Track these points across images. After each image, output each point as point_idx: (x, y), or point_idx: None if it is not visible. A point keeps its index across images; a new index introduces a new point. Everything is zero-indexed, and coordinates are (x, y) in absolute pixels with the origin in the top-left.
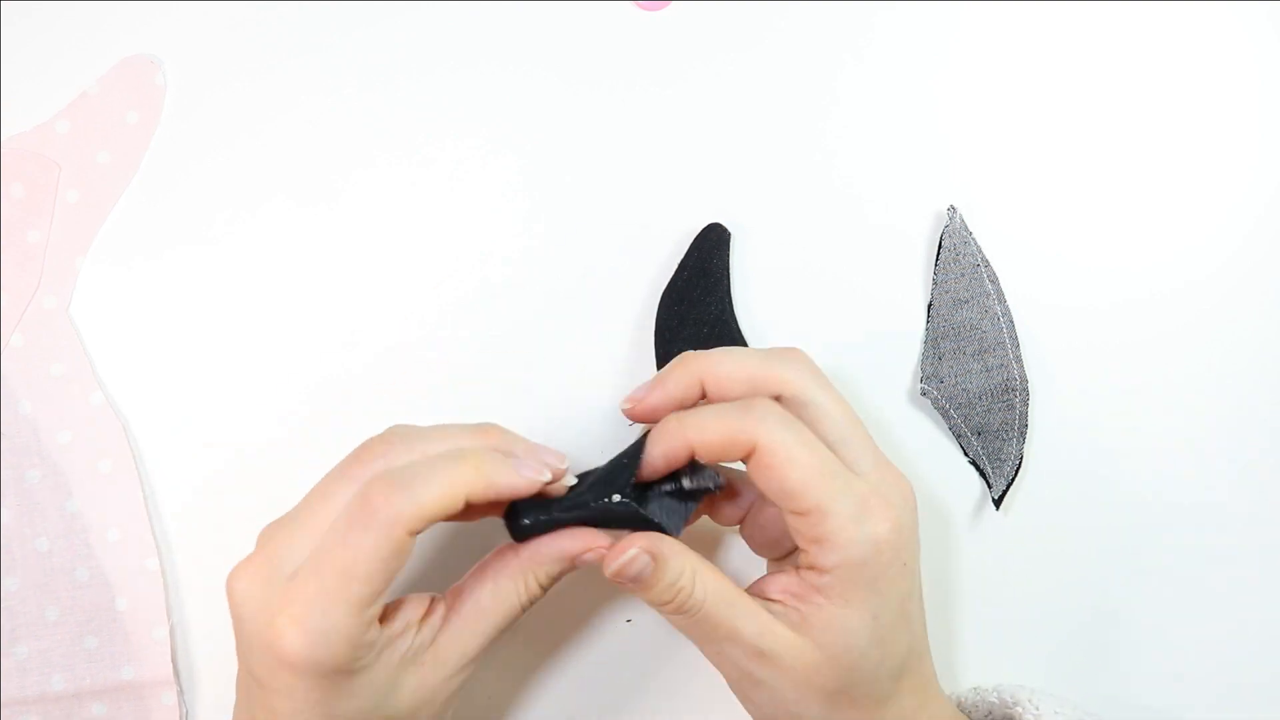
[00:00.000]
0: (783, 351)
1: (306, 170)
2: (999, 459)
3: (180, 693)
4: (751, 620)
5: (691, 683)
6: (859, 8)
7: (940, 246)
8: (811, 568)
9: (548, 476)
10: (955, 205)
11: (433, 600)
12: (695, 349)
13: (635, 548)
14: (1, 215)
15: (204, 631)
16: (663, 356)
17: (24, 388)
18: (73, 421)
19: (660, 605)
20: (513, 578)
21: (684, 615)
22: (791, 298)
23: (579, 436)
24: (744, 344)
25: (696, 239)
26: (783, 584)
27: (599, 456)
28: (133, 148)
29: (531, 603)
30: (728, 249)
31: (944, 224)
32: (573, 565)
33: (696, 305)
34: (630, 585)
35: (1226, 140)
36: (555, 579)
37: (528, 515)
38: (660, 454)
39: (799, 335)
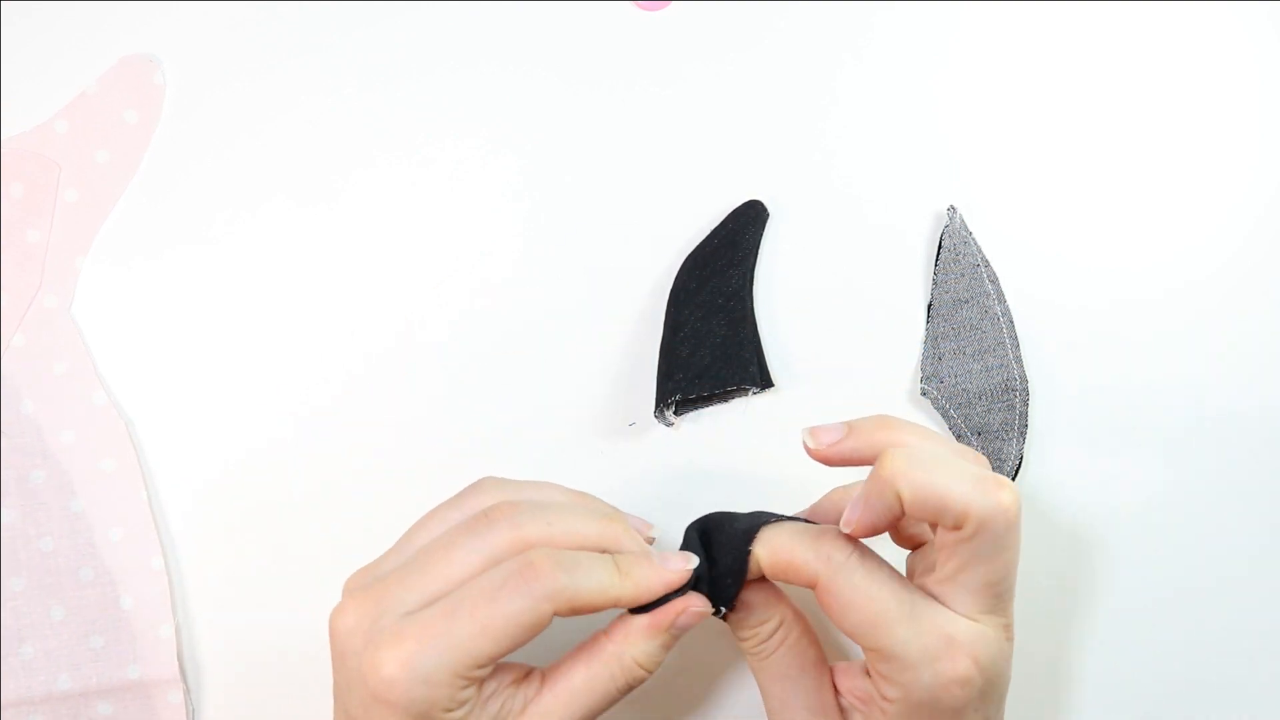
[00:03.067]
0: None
1: (307, 170)
2: (999, 459)
3: (186, 691)
4: (810, 696)
5: (691, 682)
6: (859, 8)
7: (940, 246)
8: (878, 691)
9: (689, 568)
10: (955, 205)
11: (530, 671)
12: (706, 316)
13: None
14: (2, 215)
15: (209, 630)
16: (672, 316)
17: (26, 388)
18: (75, 421)
19: (738, 638)
20: (606, 662)
21: (753, 656)
22: (791, 297)
23: (584, 435)
24: (754, 325)
25: (734, 211)
26: (851, 684)
27: (603, 454)
28: (132, 147)
29: (632, 685)
30: (762, 228)
31: (944, 224)
32: (670, 633)
33: (719, 274)
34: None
35: (1226, 140)
36: (655, 656)
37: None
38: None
39: (799, 334)
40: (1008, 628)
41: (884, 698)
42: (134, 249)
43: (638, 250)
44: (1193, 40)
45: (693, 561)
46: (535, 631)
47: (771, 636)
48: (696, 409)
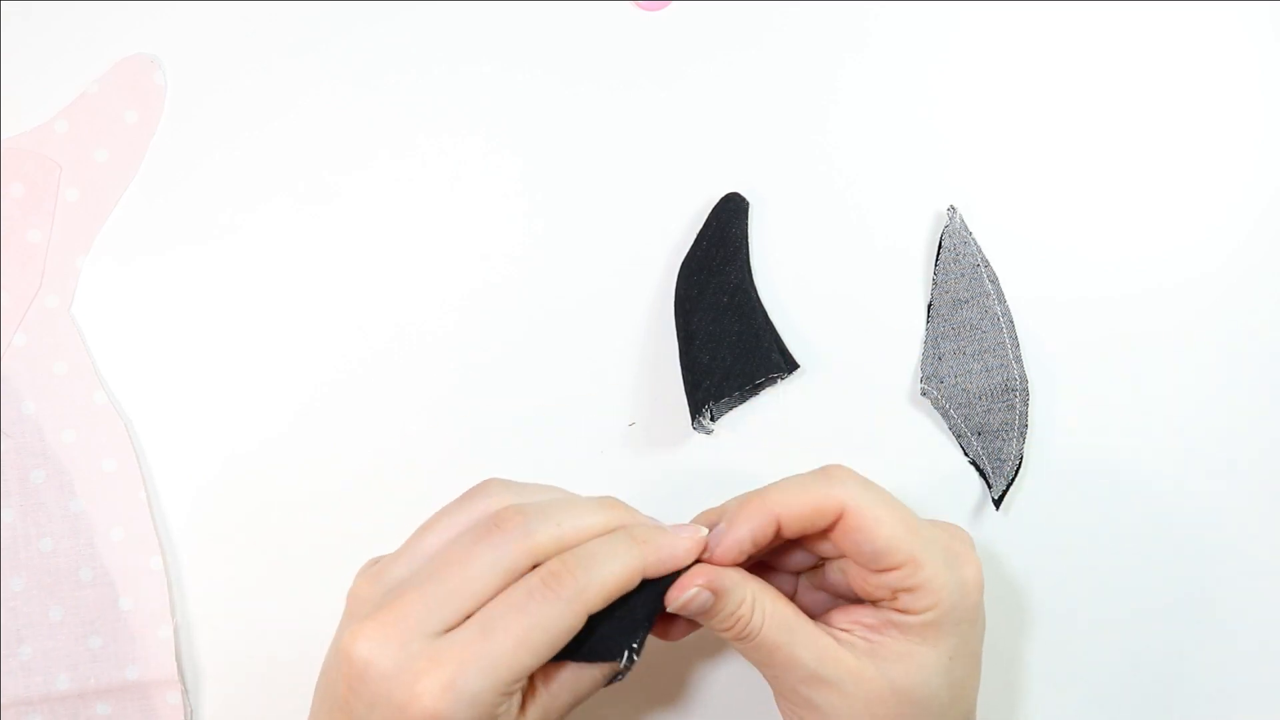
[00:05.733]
0: (829, 470)
1: (307, 170)
2: (999, 459)
3: (185, 692)
4: (810, 646)
5: (692, 682)
6: (858, 8)
7: (940, 246)
8: (899, 610)
9: (703, 534)
10: (955, 205)
11: None
12: (716, 318)
13: (695, 586)
14: (2, 215)
15: (208, 630)
16: (683, 327)
17: (27, 387)
18: (76, 421)
19: (721, 631)
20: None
21: (743, 641)
22: (792, 300)
23: (592, 433)
24: (764, 312)
25: (715, 208)
26: (855, 616)
27: (609, 448)
28: (133, 147)
29: (616, 672)
30: (746, 218)
31: (944, 224)
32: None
33: (716, 274)
34: (694, 616)
35: (1226, 140)
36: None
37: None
38: (748, 533)
39: (799, 335)
40: (959, 528)
41: (910, 612)
42: (134, 248)
43: (638, 249)
44: (1192, 40)
45: (702, 531)
46: (572, 635)
47: (754, 614)
48: (730, 410)
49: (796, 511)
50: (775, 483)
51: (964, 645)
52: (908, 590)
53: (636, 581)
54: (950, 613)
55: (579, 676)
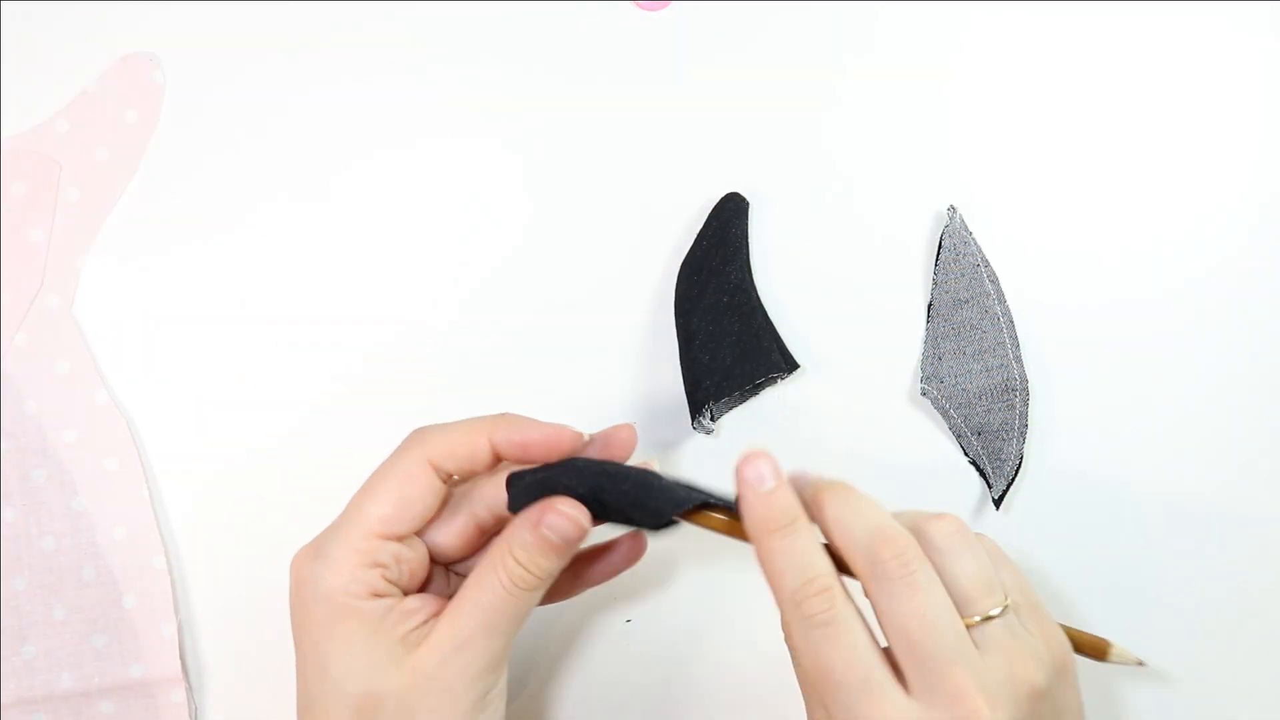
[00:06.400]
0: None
1: (307, 169)
2: (999, 459)
3: (189, 690)
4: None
5: (691, 682)
6: (859, 8)
7: (940, 246)
8: None
9: (570, 434)
10: (955, 205)
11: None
12: (716, 318)
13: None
14: (3, 214)
15: (212, 628)
16: (683, 327)
17: (29, 387)
18: (78, 420)
19: (806, 614)
20: (495, 561)
21: (824, 628)
22: (792, 300)
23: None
24: (764, 312)
25: (715, 208)
26: None
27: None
28: (133, 145)
29: (520, 587)
30: (746, 218)
31: (944, 224)
32: (548, 543)
33: (716, 274)
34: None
35: (1226, 140)
36: (540, 565)
37: (525, 475)
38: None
39: (799, 335)
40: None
41: None
42: (135, 247)
43: (638, 249)
44: (1192, 41)
45: (569, 428)
46: (416, 487)
47: (839, 595)
48: (730, 410)
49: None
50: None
51: None
52: None
53: (485, 444)
54: None
55: (482, 584)
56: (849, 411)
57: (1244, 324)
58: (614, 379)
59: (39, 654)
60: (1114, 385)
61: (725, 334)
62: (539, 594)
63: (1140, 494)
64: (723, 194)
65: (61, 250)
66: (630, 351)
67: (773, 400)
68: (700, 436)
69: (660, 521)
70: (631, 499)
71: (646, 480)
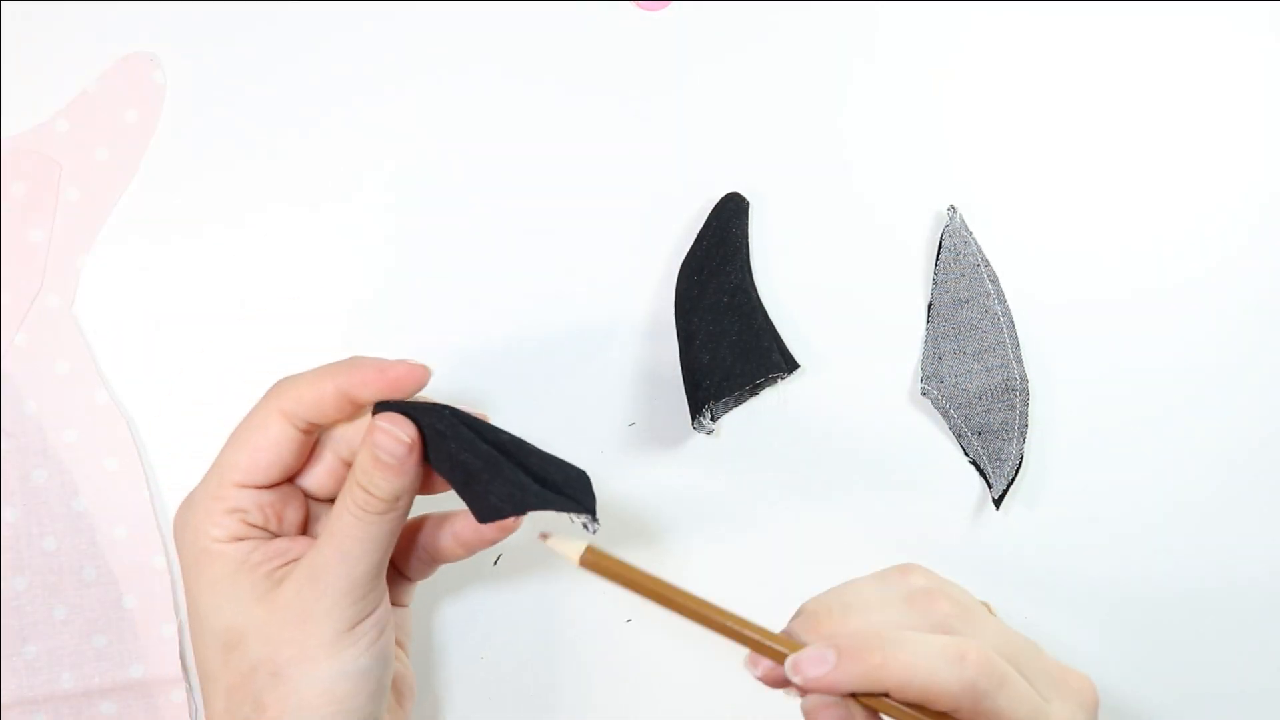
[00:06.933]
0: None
1: (307, 168)
2: (999, 459)
3: (189, 690)
4: None
5: (691, 683)
6: (860, 8)
7: (940, 246)
8: None
9: (417, 370)
10: (955, 205)
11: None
12: (716, 318)
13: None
14: (3, 214)
15: None
16: (683, 327)
17: (29, 387)
18: (78, 420)
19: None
20: (348, 487)
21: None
22: (792, 300)
23: (592, 433)
24: (764, 312)
25: (715, 208)
26: None
27: (609, 448)
28: (133, 146)
29: (366, 511)
30: (746, 218)
31: (944, 224)
32: (379, 463)
33: (717, 274)
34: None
35: (1226, 140)
36: (379, 486)
37: (391, 405)
38: (853, 676)
39: (799, 335)
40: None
41: None
42: (135, 247)
43: (638, 248)
44: (1192, 41)
45: (409, 362)
46: (267, 435)
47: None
48: (730, 410)
49: (917, 688)
50: (898, 638)
51: None
52: None
53: (329, 388)
54: None
55: (339, 513)
56: (849, 411)
57: (1244, 324)
58: (614, 379)
59: (40, 654)
60: (1114, 385)
61: (725, 334)
62: (392, 519)
63: (1140, 494)
64: (723, 194)
65: (61, 250)
66: (630, 351)
67: (773, 400)
68: (700, 436)
69: (485, 516)
70: (469, 469)
71: (504, 452)
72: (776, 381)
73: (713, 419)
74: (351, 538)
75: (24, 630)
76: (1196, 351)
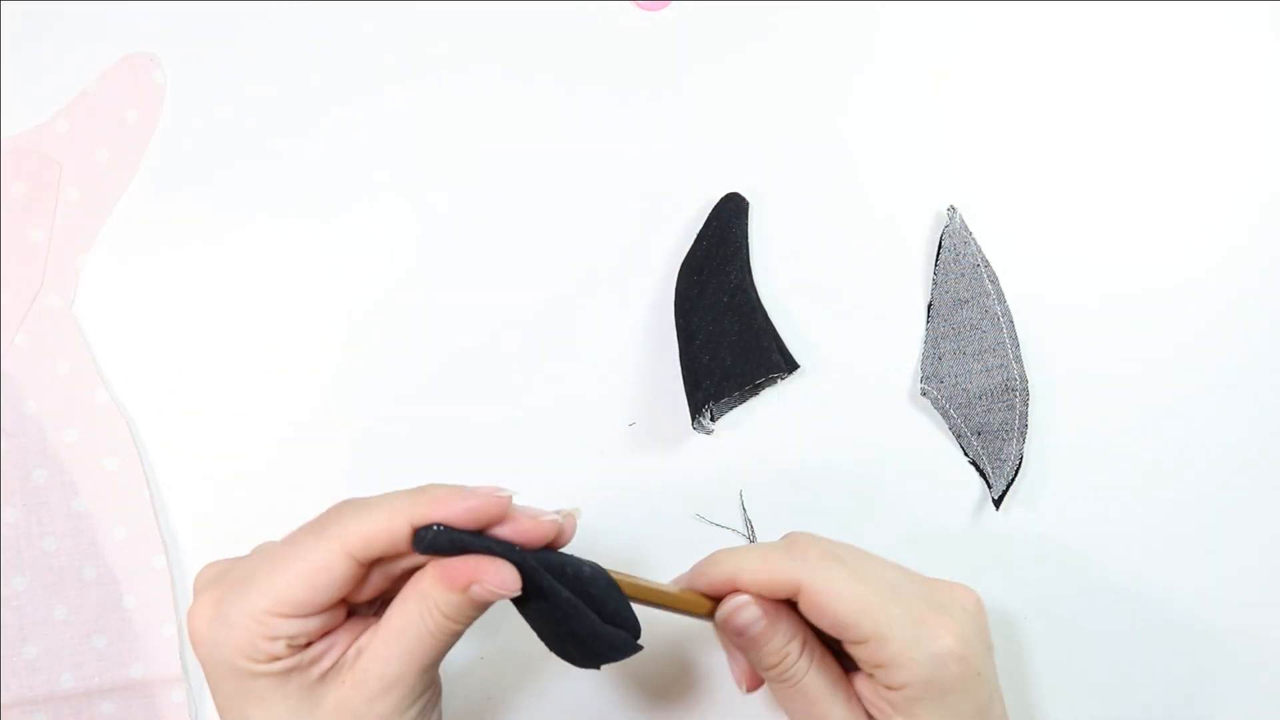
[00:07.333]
0: (792, 541)
1: (307, 168)
2: (999, 459)
3: (189, 690)
4: (844, 707)
5: (691, 683)
6: (860, 8)
7: (940, 246)
8: (884, 686)
9: (497, 500)
10: (955, 205)
11: (370, 625)
12: (716, 318)
13: (750, 601)
14: (3, 214)
15: None
16: (683, 327)
17: (29, 387)
18: (78, 420)
19: (766, 669)
20: (417, 600)
21: (785, 684)
22: (792, 299)
23: (592, 433)
24: (764, 312)
25: (715, 208)
26: (862, 688)
27: (609, 448)
28: (133, 145)
29: (443, 633)
30: (746, 218)
31: (944, 224)
32: (469, 596)
33: (717, 274)
34: (738, 639)
35: (1226, 140)
36: (461, 611)
37: (434, 528)
38: (705, 585)
39: (799, 335)
40: (959, 587)
41: (890, 688)
42: (135, 247)
43: (638, 249)
44: (1192, 41)
45: (504, 491)
46: (332, 575)
47: (800, 656)
48: (730, 410)
49: (758, 580)
50: (739, 549)
51: (961, 716)
52: (879, 666)
53: (403, 527)
54: (928, 687)
55: (405, 624)
56: (849, 411)
57: (1244, 324)
58: (614, 379)
59: (40, 654)
60: (1114, 385)
61: (725, 334)
62: (466, 627)
63: (1140, 494)
64: (723, 194)
65: (61, 250)
66: (630, 351)
67: (773, 400)
68: (700, 436)
69: (588, 664)
70: (558, 619)
71: (586, 593)
72: (776, 381)
73: (713, 419)
74: (426, 652)
75: (24, 630)
76: (1196, 351)
